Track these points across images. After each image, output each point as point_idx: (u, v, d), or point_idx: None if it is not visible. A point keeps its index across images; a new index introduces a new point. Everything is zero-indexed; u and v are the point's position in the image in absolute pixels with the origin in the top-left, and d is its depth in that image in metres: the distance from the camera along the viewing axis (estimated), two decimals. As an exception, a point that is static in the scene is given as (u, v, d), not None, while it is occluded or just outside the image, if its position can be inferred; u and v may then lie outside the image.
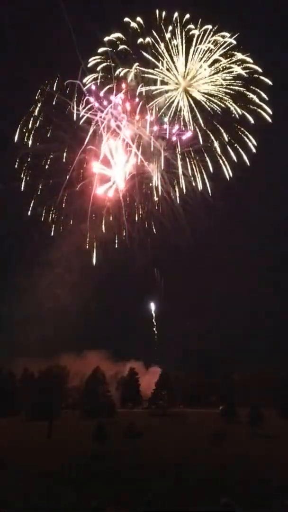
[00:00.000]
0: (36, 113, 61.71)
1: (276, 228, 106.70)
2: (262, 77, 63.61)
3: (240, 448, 50.34)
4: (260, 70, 63.29)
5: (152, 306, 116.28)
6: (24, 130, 62.71)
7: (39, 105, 61.20)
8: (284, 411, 79.84)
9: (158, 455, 46.01)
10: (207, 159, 64.72)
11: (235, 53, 63.04)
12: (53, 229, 66.01)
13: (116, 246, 67.54)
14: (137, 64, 62.04)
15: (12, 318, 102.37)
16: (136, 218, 67.14)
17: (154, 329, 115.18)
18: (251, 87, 63.55)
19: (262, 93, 63.46)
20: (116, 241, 66.81)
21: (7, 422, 77.19)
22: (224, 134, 64.24)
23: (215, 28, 64.65)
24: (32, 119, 62.34)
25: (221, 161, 64.36)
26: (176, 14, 63.14)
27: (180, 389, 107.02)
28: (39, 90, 60.57)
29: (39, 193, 65.08)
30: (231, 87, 63.30)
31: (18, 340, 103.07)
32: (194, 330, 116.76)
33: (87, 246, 66.63)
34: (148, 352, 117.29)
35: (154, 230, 69.63)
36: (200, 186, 64.89)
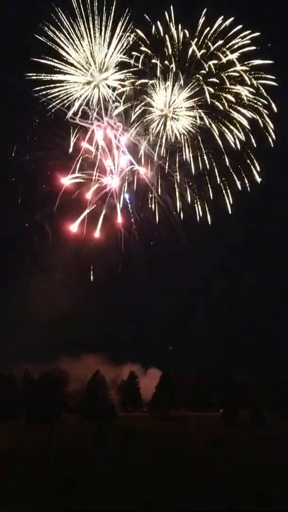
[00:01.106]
0: (35, 122, 61.11)
1: (277, 236, 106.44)
2: (268, 98, 61.06)
3: (241, 451, 50.22)
4: (265, 94, 60.74)
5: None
6: (24, 138, 62.32)
7: (37, 113, 60.57)
8: (285, 413, 79.72)
9: (158, 458, 45.87)
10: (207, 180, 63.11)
11: (242, 73, 60.32)
12: (51, 235, 65.80)
13: (113, 252, 66.68)
14: (131, 80, 60.15)
15: (12, 321, 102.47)
16: (133, 224, 66.26)
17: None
18: (259, 108, 60.86)
19: (267, 118, 61.31)
20: (113, 246, 65.97)
21: (7, 425, 77.06)
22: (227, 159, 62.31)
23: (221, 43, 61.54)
24: (30, 128, 61.75)
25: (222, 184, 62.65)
26: (173, 30, 60.49)
27: (181, 392, 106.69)
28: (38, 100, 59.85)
29: (37, 200, 64.78)
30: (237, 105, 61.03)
31: (18, 344, 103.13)
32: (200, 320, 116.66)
33: (84, 250, 65.96)
34: (146, 354, 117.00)
35: (152, 240, 69.02)
36: (199, 212, 63.59)
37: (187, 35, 59.67)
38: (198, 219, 64.45)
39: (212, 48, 60.08)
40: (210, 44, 59.74)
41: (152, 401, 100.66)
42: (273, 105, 61.55)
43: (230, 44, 60.26)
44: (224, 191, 62.97)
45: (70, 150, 61.00)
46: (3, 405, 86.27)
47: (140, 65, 59.20)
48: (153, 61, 59.61)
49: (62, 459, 44.78)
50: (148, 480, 34.96)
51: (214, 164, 62.65)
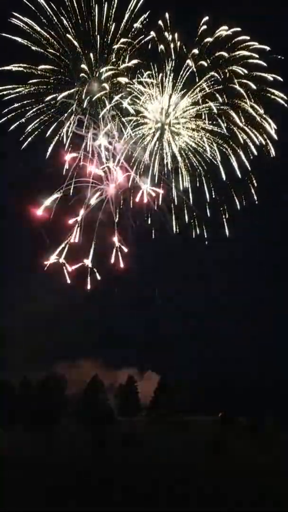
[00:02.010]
0: (30, 130, 59.51)
1: (277, 241, 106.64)
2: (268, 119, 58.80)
3: (239, 456, 50.27)
4: (263, 111, 58.52)
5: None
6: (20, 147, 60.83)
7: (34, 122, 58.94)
8: (284, 419, 79.69)
9: (158, 463, 45.87)
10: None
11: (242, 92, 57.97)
12: (47, 241, 64.83)
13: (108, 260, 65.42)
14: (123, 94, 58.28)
15: (9, 327, 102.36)
16: (130, 232, 65.13)
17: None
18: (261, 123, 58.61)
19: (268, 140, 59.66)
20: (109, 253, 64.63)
21: (6, 431, 76.90)
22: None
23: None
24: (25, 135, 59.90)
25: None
26: (170, 40, 55.82)
27: (180, 396, 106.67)
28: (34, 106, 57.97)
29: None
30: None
31: (16, 349, 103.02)
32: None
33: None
34: (142, 358, 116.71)
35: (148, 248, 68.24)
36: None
37: (184, 49, 56.97)
38: (194, 235, 63.73)
39: (208, 62, 57.22)
40: (207, 58, 57.05)
41: (151, 405, 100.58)
42: (272, 129, 59.16)
43: (233, 57, 57.58)
44: (222, 213, 62.11)
45: (67, 165, 59.23)
46: (1, 411, 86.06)
47: (136, 78, 57.54)
48: (148, 72, 57.68)
49: (62, 465, 44.77)
50: (147, 485, 34.97)
51: (211, 184, 61.48)
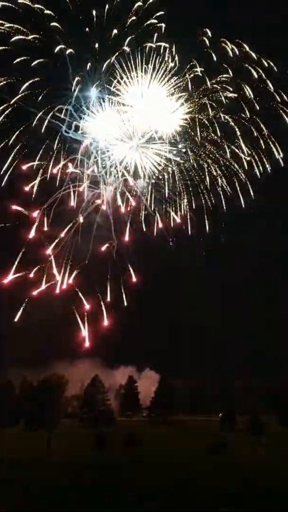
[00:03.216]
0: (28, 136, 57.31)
1: (276, 242, 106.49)
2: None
3: (240, 456, 50.23)
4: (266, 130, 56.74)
5: None
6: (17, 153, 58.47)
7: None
8: (284, 419, 79.71)
9: (158, 464, 45.85)
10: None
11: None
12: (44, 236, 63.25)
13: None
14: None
15: (8, 328, 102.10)
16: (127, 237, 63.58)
17: None
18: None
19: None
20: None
21: (6, 432, 76.87)
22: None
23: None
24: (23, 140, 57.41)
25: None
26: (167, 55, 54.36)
27: (180, 397, 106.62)
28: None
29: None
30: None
31: (16, 350, 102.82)
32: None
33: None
34: (140, 357, 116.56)
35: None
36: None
37: (180, 53, 54.73)
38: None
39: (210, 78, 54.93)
40: (208, 75, 54.70)
41: (151, 406, 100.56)
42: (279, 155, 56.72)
43: (237, 72, 55.00)
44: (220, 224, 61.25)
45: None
46: (1, 411, 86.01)
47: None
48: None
49: (62, 465, 44.77)
50: (148, 486, 34.96)
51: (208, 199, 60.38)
